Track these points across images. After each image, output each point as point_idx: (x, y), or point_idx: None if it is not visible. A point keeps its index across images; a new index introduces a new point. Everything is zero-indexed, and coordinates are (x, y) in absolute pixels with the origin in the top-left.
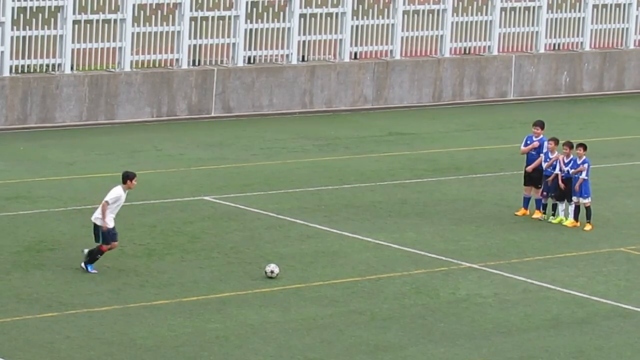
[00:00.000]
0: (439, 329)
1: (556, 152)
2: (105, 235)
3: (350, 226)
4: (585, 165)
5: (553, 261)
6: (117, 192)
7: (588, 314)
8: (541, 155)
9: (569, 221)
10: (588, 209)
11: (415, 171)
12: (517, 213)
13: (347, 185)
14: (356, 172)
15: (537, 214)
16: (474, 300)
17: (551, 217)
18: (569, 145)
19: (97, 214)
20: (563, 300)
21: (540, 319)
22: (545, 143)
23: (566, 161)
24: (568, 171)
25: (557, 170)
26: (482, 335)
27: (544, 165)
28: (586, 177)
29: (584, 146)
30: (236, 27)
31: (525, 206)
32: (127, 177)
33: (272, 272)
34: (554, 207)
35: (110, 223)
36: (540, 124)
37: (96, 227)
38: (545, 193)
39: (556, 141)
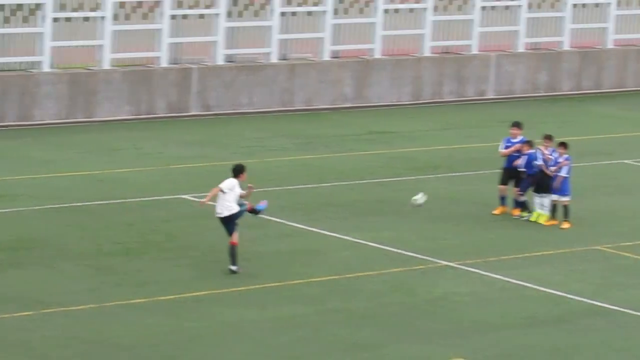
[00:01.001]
0: (416, 327)
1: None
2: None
3: (329, 225)
4: (567, 161)
5: (530, 259)
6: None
7: (564, 312)
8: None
9: (545, 216)
10: (566, 207)
11: (395, 170)
12: (495, 212)
13: (326, 184)
14: (335, 170)
15: (516, 212)
16: (451, 298)
17: (526, 215)
18: (549, 137)
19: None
20: (540, 298)
21: (517, 317)
22: (539, 155)
23: (547, 152)
24: (554, 160)
25: (540, 162)
26: (459, 333)
27: (518, 161)
28: (566, 175)
29: (564, 145)
30: (216, 25)
31: (503, 204)
32: (238, 171)
33: (415, 200)
34: (526, 205)
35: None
36: (518, 125)
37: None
38: (521, 193)
39: (530, 144)
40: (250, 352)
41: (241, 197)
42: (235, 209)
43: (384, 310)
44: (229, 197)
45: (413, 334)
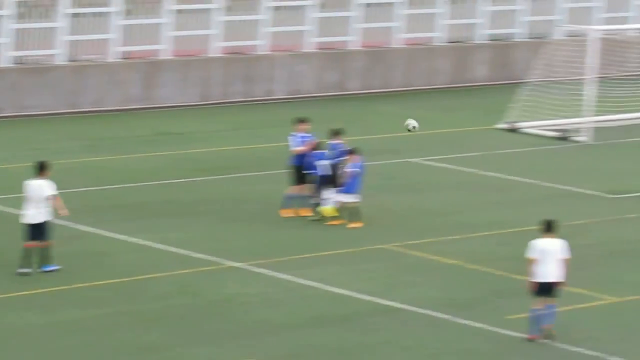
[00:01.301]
0: (205, 329)
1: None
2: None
3: (116, 227)
4: (355, 157)
5: (317, 259)
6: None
7: (351, 312)
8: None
9: (330, 209)
10: (355, 208)
11: (182, 171)
12: (283, 212)
13: (113, 186)
14: (122, 172)
15: (306, 212)
16: (239, 299)
17: (316, 215)
18: (337, 133)
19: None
20: (327, 298)
21: (304, 317)
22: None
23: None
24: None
25: (330, 157)
26: (247, 334)
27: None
28: (354, 170)
29: (353, 151)
30: (3, 27)
31: (291, 205)
32: (42, 168)
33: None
34: (316, 204)
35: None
36: (304, 121)
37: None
38: (311, 193)
39: (317, 145)
40: (35, 357)
41: (56, 209)
42: (45, 217)
43: (172, 312)
44: (40, 202)
45: (202, 336)
